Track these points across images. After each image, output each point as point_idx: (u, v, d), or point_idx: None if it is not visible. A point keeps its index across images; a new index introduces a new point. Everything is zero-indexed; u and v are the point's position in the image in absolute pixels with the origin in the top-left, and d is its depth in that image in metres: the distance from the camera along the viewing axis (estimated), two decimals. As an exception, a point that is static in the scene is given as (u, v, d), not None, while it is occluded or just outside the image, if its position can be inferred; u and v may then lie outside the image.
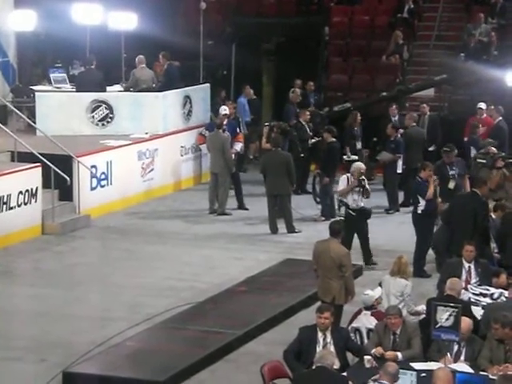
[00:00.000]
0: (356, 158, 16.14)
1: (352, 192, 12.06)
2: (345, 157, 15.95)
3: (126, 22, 17.45)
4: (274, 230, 13.86)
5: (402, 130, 15.54)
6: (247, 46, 19.55)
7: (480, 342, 8.22)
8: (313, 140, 16.00)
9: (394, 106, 16.66)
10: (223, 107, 15.83)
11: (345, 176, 12.25)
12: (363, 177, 12.13)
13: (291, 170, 13.85)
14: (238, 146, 15.78)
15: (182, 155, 16.58)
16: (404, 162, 15.17)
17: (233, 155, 15.35)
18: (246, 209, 15.03)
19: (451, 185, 12.84)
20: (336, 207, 13.21)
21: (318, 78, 19.65)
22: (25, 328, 10.27)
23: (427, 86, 18.23)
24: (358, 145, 16.38)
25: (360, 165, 12.36)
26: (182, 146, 16.57)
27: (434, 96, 18.38)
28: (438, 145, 15.76)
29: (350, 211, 12.04)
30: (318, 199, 15.11)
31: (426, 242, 11.86)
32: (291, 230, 13.81)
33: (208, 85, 17.59)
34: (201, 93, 17.30)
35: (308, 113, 16.47)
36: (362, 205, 12.14)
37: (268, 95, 20.35)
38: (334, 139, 14.62)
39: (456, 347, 8.09)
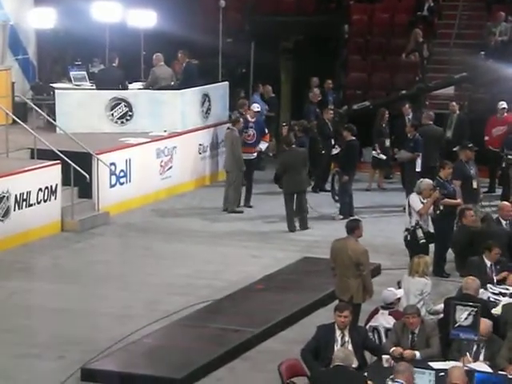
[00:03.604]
0: (384, 157, 16.17)
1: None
2: (374, 153, 15.98)
3: (146, 19, 17.51)
4: (293, 228, 13.85)
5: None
6: (266, 44, 19.53)
7: (499, 341, 8.18)
8: (334, 150, 15.95)
9: (407, 105, 16.62)
10: (255, 104, 15.85)
11: (414, 197, 11.26)
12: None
13: (309, 166, 14.04)
14: (263, 146, 15.81)
15: (200, 153, 16.60)
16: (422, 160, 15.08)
17: (255, 153, 15.43)
18: (244, 208, 15.00)
19: (475, 184, 12.71)
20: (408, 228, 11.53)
21: (336, 76, 19.62)
22: (44, 325, 10.31)
23: (447, 84, 18.14)
24: (387, 142, 16.39)
25: (429, 182, 11.48)
26: (200, 144, 16.59)
27: (453, 94, 18.30)
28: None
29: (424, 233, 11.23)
30: (337, 197, 15.09)
31: (445, 242, 11.78)
32: (306, 226, 13.84)
33: (227, 83, 17.60)
34: (219, 91, 17.31)
35: (331, 111, 16.52)
36: (430, 230, 11.33)
37: (286, 93, 20.34)
38: (353, 137, 14.60)
39: (475, 347, 8.05)
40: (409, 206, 11.38)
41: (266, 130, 15.96)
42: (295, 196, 13.87)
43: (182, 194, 15.93)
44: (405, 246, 11.45)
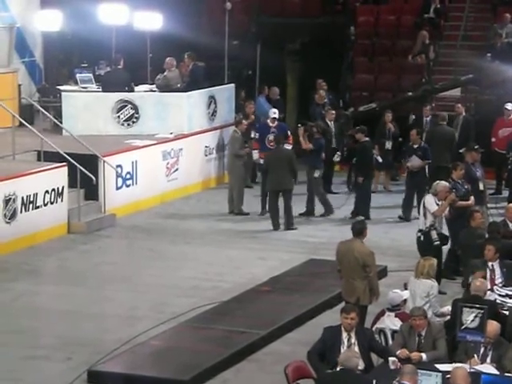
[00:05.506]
0: (380, 159, 16.16)
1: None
2: (374, 151, 16.06)
3: (152, 22, 17.54)
4: (277, 226, 13.89)
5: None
6: (272, 47, 19.55)
7: (507, 343, 8.16)
8: (336, 156, 15.97)
9: (429, 107, 16.53)
10: (273, 110, 15.80)
11: (430, 199, 11.16)
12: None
13: (294, 165, 13.95)
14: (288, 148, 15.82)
15: (206, 155, 16.62)
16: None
17: None
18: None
19: (481, 186, 12.68)
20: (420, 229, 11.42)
21: (342, 78, 19.62)
22: (50, 326, 10.32)
23: (453, 86, 18.13)
24: (388, 145, 16.37)
25: (446, 184, 11.30)
26: (206, 146, 16.62)
27: (460, 96, 18.29)
28: None
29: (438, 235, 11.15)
30: (351, 187, 15.16)
31: (454, 244, 11.73)
32: (291, 226, 13.88)
33: (233, 85, 17.62)
34: (225, 93, 17.33)
35: (333, 112, 16.52)
36: (444, 232, 11.29)
37: (292, 95, 20.34)
38: (366, 138, 14.66)
39: (482, 350, 8.04)
40: (424, 207, 11.28)
41: (289, 133, 15.91)
42: (280, 195, 13.88)
43: (188, 196, 15.95)
44: (417, 247, 11.29)
